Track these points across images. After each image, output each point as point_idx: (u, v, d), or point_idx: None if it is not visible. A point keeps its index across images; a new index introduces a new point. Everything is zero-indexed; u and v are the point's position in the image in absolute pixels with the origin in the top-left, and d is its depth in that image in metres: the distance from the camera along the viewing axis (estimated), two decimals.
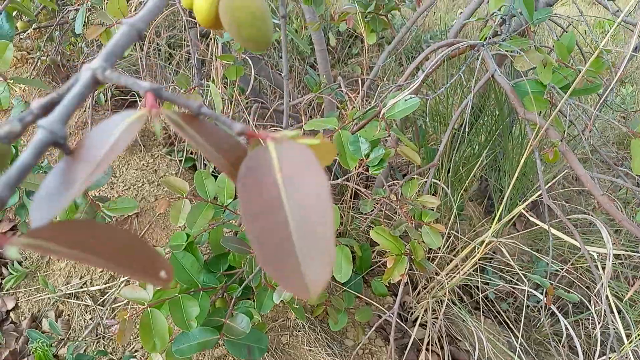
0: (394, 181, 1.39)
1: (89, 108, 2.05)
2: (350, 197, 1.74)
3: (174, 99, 0.20)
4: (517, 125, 1.74)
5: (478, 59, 1.12)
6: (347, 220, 1.70)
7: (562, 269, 1.37)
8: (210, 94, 1.58)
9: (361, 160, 1.18)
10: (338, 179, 1.40)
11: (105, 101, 2.07)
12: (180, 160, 1.92)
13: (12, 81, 1.03)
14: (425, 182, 1.41)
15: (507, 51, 1.13)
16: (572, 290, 1.25)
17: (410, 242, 1.11)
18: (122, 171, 1.87)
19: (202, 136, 0.20)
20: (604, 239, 0.99)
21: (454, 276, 1.37)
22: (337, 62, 3.15)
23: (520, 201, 1.84)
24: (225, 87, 1.81)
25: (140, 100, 2.06)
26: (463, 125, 1.52)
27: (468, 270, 1.31)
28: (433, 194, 1.70)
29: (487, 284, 1.61)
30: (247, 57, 1.55)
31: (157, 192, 1.69)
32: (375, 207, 1.19)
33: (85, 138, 0.19)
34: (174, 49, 2.52)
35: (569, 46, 1.22)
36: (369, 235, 1.76)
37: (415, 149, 1.21)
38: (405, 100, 1.14)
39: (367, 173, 1.39)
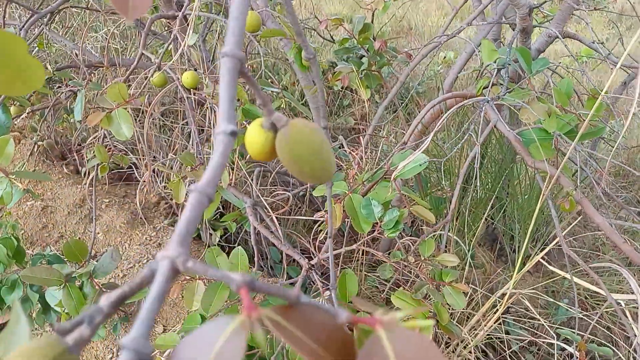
0: (406, 238, 1.36)
1: (88, 185, 2.03)
2: (363, 254, 1.70)
3: (269, 289, 0.18)
4: (521, 167, 1.74)
5: (481, 111, 1.12)
6: (360, 279, 1.65)
7: (584, 315, 1.32)
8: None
9: (375, 223, 1.16)
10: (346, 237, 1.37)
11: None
12: None
13: (14, 176, 1.01)
14: (440, 235, 1.38)
15: (510, 104, 1.14)
16: (600, 339, 1.21)
17: (434, 305, 1.08)
18: (125, 247, 1.82)
19: (300, 329, 0.17)
20: (617, 275, 0.96)
21: (477, 332, 1.33)
22: (330, 114, 3.19)
23: (531, 245, 1.81)
24: None
25: (139, 175, 2.04)
26: (468, 174, 1.52)
27: (492, 325, 1.26)
28: (443, 244, 1.67)
29: (508, 333, 1.56)
30: (247, 124, 1.55)
31: None
32: (396, 271, 1.16)
33: (177, 352, 0.17)
34: (165, 116, 2.53)
35: (567, 92, 1.24)
36: (382, 292, 1.72)
37: (428, 206, 1.20)
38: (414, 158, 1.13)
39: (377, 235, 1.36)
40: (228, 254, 1.16)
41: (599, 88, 1.28)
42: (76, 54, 1.61)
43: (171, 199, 2.19)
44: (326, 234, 1.39)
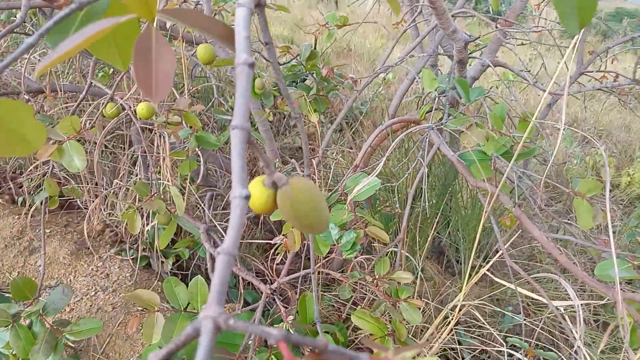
0: (360, 257, 1.41)
1: (30, 215, 1.93)
2: (318, 273, 1.74)
3: (303, 341, 0.21)
4: (462, 182, 1.85)
5: (427, 137, 1.20)
6: (317, 299, 1.68)
7: (528, 321, 1.42)
8: (160, 188, 1.55)
9: (333, 245, 1.20)
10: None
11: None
12: (133, 259, 1.83)
13: None
14: (392, 252, 1.44)
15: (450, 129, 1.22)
16: (544, 343, 1.31)
17: (392, 322, 1.13)
18: (70, 279, 1.75)
19: None
20: (555, 282, 1.06)
21: (432, 345, 1.39)
22: (277, 134, 3.23)
23: (476, 256, 1.92)
24: (171, 174, 1.79)
25: (81, 203, 1.98)
26: (416, 193, 1.60)
27: (446, 337, 1.33)
28: (397, 262, 1.73)
29: (460, 343, 1.64)
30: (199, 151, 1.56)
31: (114, 300, 1.60)
32: (354, 290, 1.20)
33: None
34: (109, 141, 2.47)
35: (501, 116, 1.34)
36: (339, 312, 1.76)
37: (381, 226, 1.26)
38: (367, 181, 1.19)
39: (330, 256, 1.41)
40: (182, 281, 1.16)
41: (526, 107, 1.40)
42: (16, 80, 1.56)
43: (116, 227, 2.12)
44: (283, 256, 1.42)
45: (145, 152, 1.95)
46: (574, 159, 2.80)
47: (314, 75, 1.86)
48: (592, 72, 1.68)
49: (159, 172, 1.88)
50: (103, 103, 1.25)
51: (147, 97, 0.26)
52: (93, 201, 1.98)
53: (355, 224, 1.27)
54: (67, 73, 2.60)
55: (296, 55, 1.84)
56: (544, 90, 1.38)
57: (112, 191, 1.73)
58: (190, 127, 1.36)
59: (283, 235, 1.26)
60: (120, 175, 2.00)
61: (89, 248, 1.89)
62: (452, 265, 2.07)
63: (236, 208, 0.26)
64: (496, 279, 1.30)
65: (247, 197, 0.27)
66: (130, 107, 1.13)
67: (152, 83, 0.26)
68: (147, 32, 0.27)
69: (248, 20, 0.31)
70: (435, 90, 1.38)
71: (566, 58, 0.97)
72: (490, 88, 1.74)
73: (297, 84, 1.88)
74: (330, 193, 1.30)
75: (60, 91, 1.68)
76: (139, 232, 1.82)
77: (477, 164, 1.28)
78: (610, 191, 2.88)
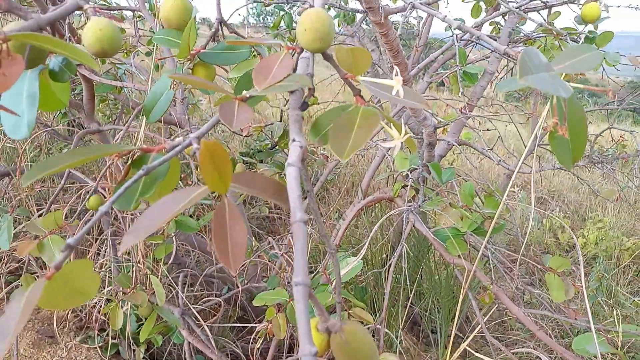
0: None
1: None
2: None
3: None
4: (435, 254, 1.90)
5: (406, 219, 1.25)
6: None
7: None
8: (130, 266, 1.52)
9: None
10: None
11: None
12: (102, 347, 1.74)
13: None
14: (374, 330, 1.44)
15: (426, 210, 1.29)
16: None
17: None
18: None
19: None
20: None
21: None
22: (244, 204, 3.23)
23: (451, 323, 1.94)
24: (143, 256, 1.75)
25: None
26: (390, 266, 1.63)
27: None
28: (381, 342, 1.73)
29: None
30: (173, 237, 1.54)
31: None
32: None
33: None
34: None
35: (470, 193, 1.42)
36: None
37: (364, 306, 1.27)
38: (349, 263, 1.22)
39: None
40: None
41: (480, 171, 1.49)
42: None
43: (80, 311, 2.03)
44: (264, 341, 1.39)
45: (114, 235, 1.91)
46: (532, 222, 2.94)
47: (286, 152, 1.92)
48: (546, 144, 1.82)
49: (129, 254, 1.84)
50: (78, 189, 1.24)
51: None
52: None
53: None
54: (29, 150, 2.55)
55: (267, 127, 1.90)
56: (508, 168, 1.49)
57: None
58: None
59: (267, 321, 1.25)
60: (88, 257, 1.94)
61: (52, 337, 1.79)
62: (427, 335, 2.09)
63: (298, 293, 0.28)
64: (478, 355, 1.33)
65: (315, 354, 0.29)
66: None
67: (229, 254, 0.28)
68: (222, 206, 0.30)
69: (299, 179, 0.34)
70: (407, 170, 1.45)
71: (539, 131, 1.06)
72: (453, 162, 1.85)
73: (271, 160, 1.92)
74: (312, 274, 1.31)
75: None
76: (106, 317, 1.75)
77: (452, 239, 1.34)
78: (568, 252, 3.02)
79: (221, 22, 0.59)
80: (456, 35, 1.08)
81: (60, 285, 0.31)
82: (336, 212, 2.92)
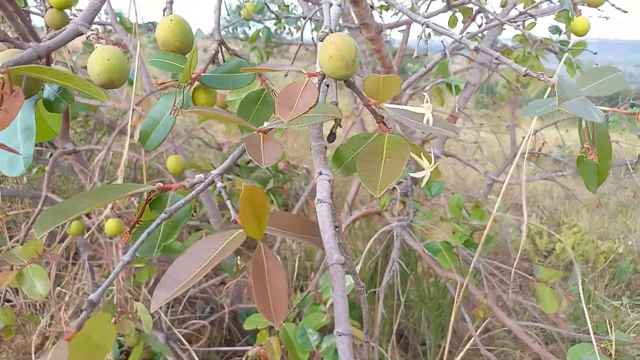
0: None
1: None
2: None
3: None
4: (420, 263, 1.90)
5: (399, 236, 1.24)
6: None
7: None
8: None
9: (312, 352, 1.17)
10: None
11: None
12: None
13: None
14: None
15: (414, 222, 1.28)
16: None
17: None
18: None
19: None
20: None
21: None
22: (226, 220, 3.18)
23: (441, 337, 1.94)
24: (123, 279, 1.69)
25: None
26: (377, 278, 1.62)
27: None
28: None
29: None
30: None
31: None
32: None
33: None
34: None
35: (458, 205, 1.42)
36: None
37: (358, 325, 1.25)
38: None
39: None
40: None
41: (468, 189, 1.50)
42: None
43: (57, 338, 1.94)
44: None
45: (92, 259, 1.84)
46: (510, 228, 2.98)
47: (269, 169, 1.90)
48: (525, 153, 1.84)
49: (107, 276, 1.77)
50: None
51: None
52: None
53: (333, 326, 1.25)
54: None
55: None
56: (495, 180, 1.50)
57: (60, 306, 1.59)
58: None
59: (259, 344, 1.21)
60: (64, 282, 1.86)
61: None
62: (415, 347, 2.08)
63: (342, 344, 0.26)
64: None
65: None
66: (97, 225, 1.08)
67: (271, 311, 0.26)
68: (259, 254, 0.27)
69: (331, 216, 0.32)
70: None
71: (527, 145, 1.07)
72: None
73: (255, 178, 1.89)
74: (304, 294, 1.28)
75: None
76: None
77: (444, 253, 1.33)
78: (546, 257, 3.08)
79: (221, 43, 0.56)
80: (448, 51, 1.08)
81: (80, 344, 0.28)
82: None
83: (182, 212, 0.32)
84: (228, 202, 0.31)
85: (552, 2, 1.64)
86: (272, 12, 1.52)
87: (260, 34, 2.05)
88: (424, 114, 0.34)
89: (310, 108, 0.34)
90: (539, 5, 1.21)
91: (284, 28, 2.44)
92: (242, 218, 0.25)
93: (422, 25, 0.44)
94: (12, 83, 0.32)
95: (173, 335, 1.57)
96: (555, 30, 1.91)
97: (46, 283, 1.00)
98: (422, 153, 0.36)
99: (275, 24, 1.82)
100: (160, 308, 1.75)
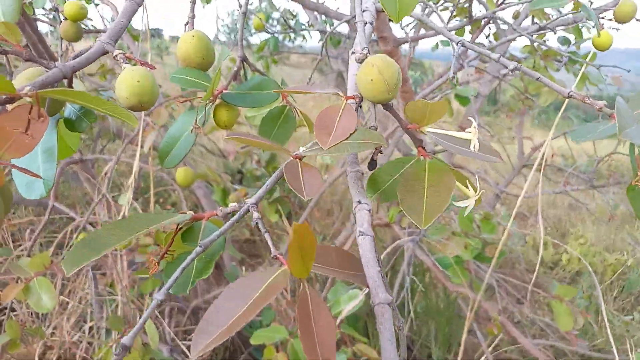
0: None
1: None
2: None
3: None
4: (427, 274, 1.88)
5: (411, 253, 1.22)
6: None
7: None
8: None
9: None
10: None
11: None
12: None
13: None
14: None
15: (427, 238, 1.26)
16: None
17: None
18: None
19: None
20: None
21: None
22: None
23: (446, 350, 1.91)
24: (127, 288, 1.67)
25: None
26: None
27: None
28: None
29: None
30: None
31: None
32: None
33: None
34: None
35: (469, 218, 1.41)
36: None
37: (366, 341, 1.23)
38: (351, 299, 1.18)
39: None
40: None
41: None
42: None
43: (60, 348, 1.91)
44: None
45: (95, 269, 1.82)
46: (514, 238, 2.95)
47: None
48: (532, 164, 1.83)
49: (111, 286, 1.75)
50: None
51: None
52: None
53: (343, 343, 1.23)
54: None
55: (257, 160, 1.85)
56: (503, 191, 1.48)
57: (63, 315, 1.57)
58: (158, 245, 1.30)
59: None
60: (67, 291, 1.83)
61: None
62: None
63: None
64: None
65: None
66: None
67: (318, 357, 0.24)
68: (304, 295, 0.25)
69: (374, 250, 0.31)
70: None
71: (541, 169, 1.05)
72: None
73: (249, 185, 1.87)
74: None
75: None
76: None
77: (455, 267, 1.31)
78: (552, 268, 3.05)
79: (244, 60, 0.55)
80: (466, 63, 1.07)
81: None
82: (320, 235, 2.88)
83: (216, 244, 0.30)
84: (267, 236, 0.29)
85: (561, 14, 1.63)
86: (288, 25, 1.51)
87: (268, 44, 2.04)
88: (469, 139, 0.33)
89: (350, 134, 0.32)
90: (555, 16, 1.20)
91: (290, 37, 2.44)
92: (291, 259, 0.23)
93: (457, 44, 0.43)
94: (39, 105, 0.31)
95: (177, 348, 1.55)
96: (565, 41, 1.90)
97: (53, 296, 0.98)
98: (467, 181, 0.34)
99: (281, 33, 1.81)
100: (163, 319, 1.73)
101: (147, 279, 1.42)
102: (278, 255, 0.27)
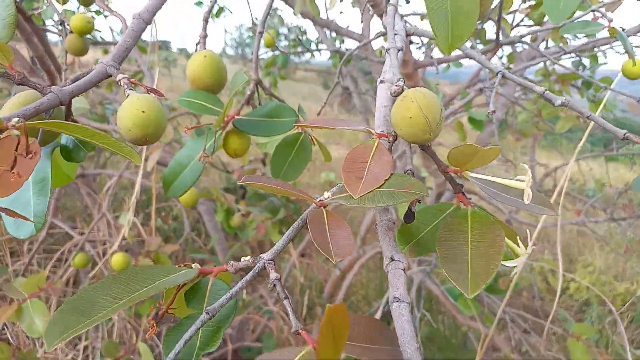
0: None
1: None
2: None
3: None
4: (437, 304, 1.82)
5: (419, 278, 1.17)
6: None
7: None
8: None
9: None
10: None
11: None
12: None
13: None
14: None
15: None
16: None
17: None
18: None
19: None
20: None
21: None
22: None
23: None
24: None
25: None
26: None
27: None
28: None
29: None
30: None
31: None
32: None
33: None
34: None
35: None
36: None
37: None
38: None
39: None
40: None
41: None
42: None
43: None
44: None
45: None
46: (560, 282, 2.89)
47: (279, 198, 1.84)
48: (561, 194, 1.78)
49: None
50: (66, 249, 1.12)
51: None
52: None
53: None
54: None
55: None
56: (514, 219, 1.43)
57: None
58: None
59: None
60: None
61: None
62: None
63: None
64: None
65: None
66: (101, 256, 1.01)
67: None
68: None
69: (411, 322, 0.26)
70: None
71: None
72: None
73: (265, 207, 1.83)
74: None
75: None
76: None
77: (467, 299, 1.26)
78: (559, 296, 2.98)
79: (258, 83, 0.51)
80: (488, 87, 1.03)
81: None
82: (322, 256, 2.82)
83: (226, 309, 0.26)
84: (287, 303, 0.24)
85: (578, 38, 1.60)
86: (300, 42, 1.47)
87: (276, 61, 2.01)
88: (521, 188, 0.28)
89: (385, 180, 0.28)
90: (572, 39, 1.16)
91: (298, 55, 2.41)
92: (321, 345, 0.19)
93: (497, 74, 0.39)
94: (29, 136, 0.27)
95: None
96: (579, 64, 1.87)
97: (46, 320, 0.93)
98: (517, 237, 0.30)
99: (292, 53, 1.79)
100: (160, 340, 1.67)
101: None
102: (301, 332, 0.23)
